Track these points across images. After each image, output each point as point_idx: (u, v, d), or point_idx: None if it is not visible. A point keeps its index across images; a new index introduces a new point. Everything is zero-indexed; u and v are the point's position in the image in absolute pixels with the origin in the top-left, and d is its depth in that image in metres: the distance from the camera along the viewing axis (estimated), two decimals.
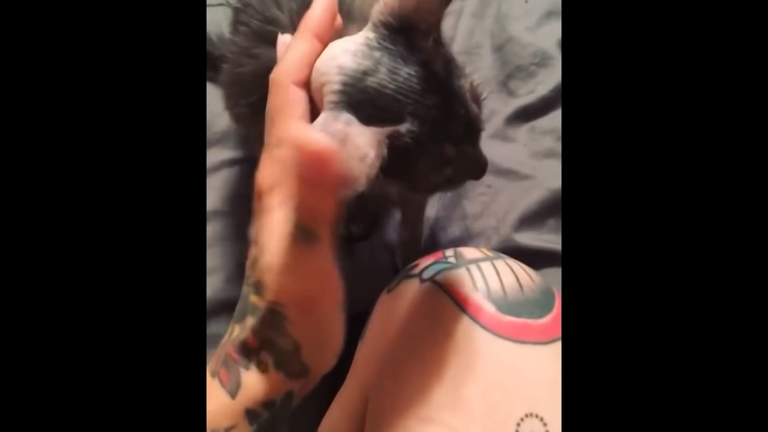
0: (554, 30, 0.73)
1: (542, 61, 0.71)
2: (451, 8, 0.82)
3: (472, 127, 0.35)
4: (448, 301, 0.41)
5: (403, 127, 0.31)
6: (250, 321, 0.31)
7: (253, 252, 0.31)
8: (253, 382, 0.30)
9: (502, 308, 0.40)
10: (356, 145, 0.28)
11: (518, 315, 0.40)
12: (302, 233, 0.29)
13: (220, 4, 0.84)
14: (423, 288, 0.43)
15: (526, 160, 0.66)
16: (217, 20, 0.81)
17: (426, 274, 0.43)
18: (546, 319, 0.41)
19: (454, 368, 0.38)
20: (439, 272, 0.43)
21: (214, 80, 0.74)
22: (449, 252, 0.45)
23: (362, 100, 0.31)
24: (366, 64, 0.31)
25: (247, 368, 0.31)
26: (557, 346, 0.40)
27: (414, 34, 0.32)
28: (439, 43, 0.34)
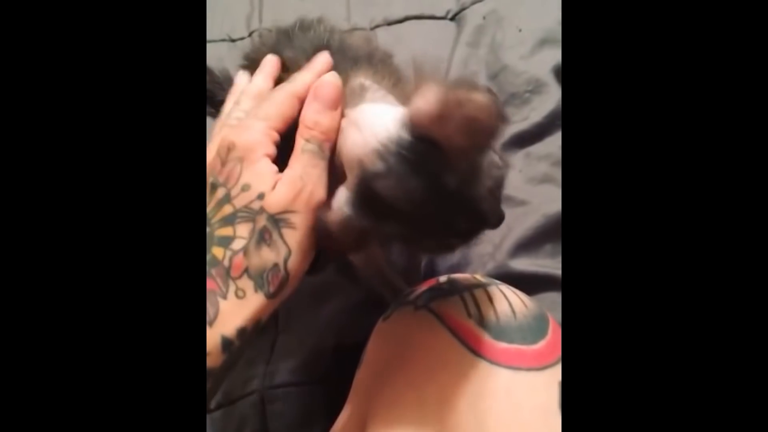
0: (547, 58, 0.74)
1: (536, 88, 0.72)
2: (446, 37, 0.83)
3: (479, 224, 0.36)
4: (441, 328, 0.41)
5: (395, 228, 0.34)
6: (237, 244, 0.37)
7: (221, 193, 0.38)
8: (230, 309, 0.36)
9: (494, 335, 0.40)
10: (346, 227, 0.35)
11: (511, 341, 0.40)
12: (317, 149, 0.39)
13: (222, 40, 0.87)
14: (417, 315, 0.43)
15: (522, 186, 0.66)
16: (220, 55, 0.83)
17: (420, 301, 0.44)
18: (539, 345, 0.41)
19: (448, 396, 0.38)
20: (432, 299, 0.43)
21: (214, 116, 0.76)
22: (443, 279, 0.46)
23: (370, 197, 0.34)
24: (380, 166, 0.33)
25: (225, 297, 0.36)
26: (551, 372, 0.40)
27: (435, 146, 0.32)
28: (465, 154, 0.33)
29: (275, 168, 0.39)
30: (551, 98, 0.71)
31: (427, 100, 0.32)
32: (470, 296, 0.43)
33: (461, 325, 0.41)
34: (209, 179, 0.39)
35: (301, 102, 0.41)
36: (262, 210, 0.37)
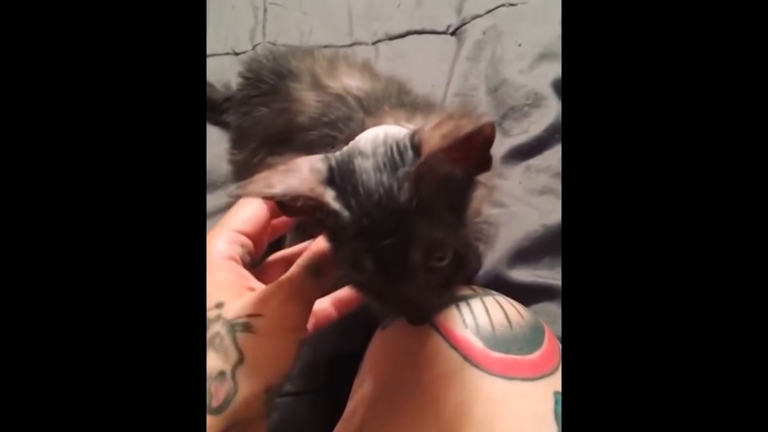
0: (546, 72, 0.75)
1: (535, 101, 0.73)
2: (447, 51, 0.84)
3: (398, 257, 0.33)
4: (438, 337, 0.41)
5: (340, 209, 0.33)
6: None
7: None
8: None
9: (490, 345, 0.40)
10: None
11: (507, 351, 0.40)
12: (313, 270, 0.36)
13: (226, 53, 0.88)
14: (414, 325, 0.43)
15: (522, 197, 0.67)
16: (223, 68, 0.85)
17: None
18: (535, 356, 0.41)
19: (443, 406, 0.38)
20: None
21: (219, 124, 0.78)
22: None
23: (344, 170, 0.34)
24: (366, 149, 0.34)
25: None
26: (547, 382, 0.40)
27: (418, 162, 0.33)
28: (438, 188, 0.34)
29: (243, 273, 0.37)
30: (550, 112, 0.71)
31: (437, 120, 0.34)
32: (467, 306, 0.43)
33: (457, 336, 0.41)
34: None
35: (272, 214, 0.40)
36: (218, 317, 0.34)
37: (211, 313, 0.34)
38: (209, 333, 0.33)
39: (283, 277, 0.36)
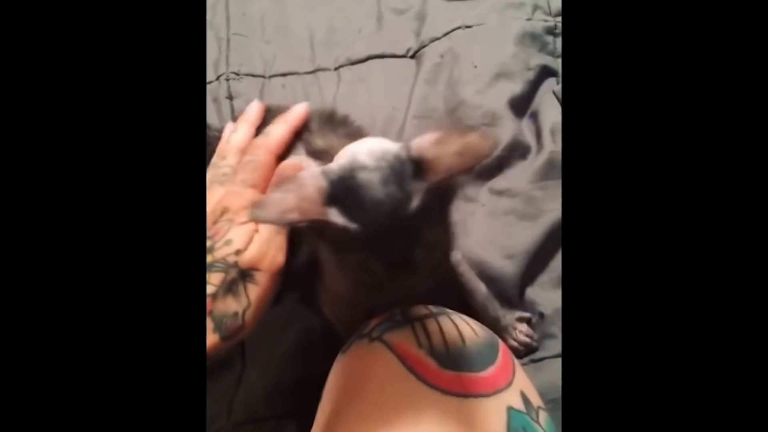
0: (502, 91, 0.77)
1: (492, 121, 0.75)
2: (407, 74, 0.85)
3: (404, 267, 0.38)
4: (393, 358, 0.42)
5: (346, 223, 0.35)
6: (208, 290, 0.43)
7: (215, 243, 0.45)
8: None
9: (443, 363, 0.41)
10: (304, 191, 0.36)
11: (459, 369, 0.41)
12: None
13: (210, 82, 0.88)
14: (371, 347, 0.44)
15: (483, 221, 0.68)
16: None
17: (375, 333, 0.45)
18: (488, 372, 0.42)
19: (399, 426, 0.39)
20: (386, 331, 0.45)
21: None
22: (396, 311, 0.47)
23: (347, 184, 0.36)
24: (369, 163, 0.36)
25: None
26: (501, 397, 0.41)
27: (424, 174, 0.36)
28: (442, 196, 0.38)
29: (254, 227, 0.46)
30: (506, 131, 0.73)
31: (431, 133, 0.37)
32: (421, 327, 0.44)
33: (412, 356, 0.42)
34: None
35: (277, 157, 0.51)
36: (235, 264, 0.44)
37: (230, 258, 0.44)
38: (228, 276, 0.43)
39: (264, 232, 0.45)
